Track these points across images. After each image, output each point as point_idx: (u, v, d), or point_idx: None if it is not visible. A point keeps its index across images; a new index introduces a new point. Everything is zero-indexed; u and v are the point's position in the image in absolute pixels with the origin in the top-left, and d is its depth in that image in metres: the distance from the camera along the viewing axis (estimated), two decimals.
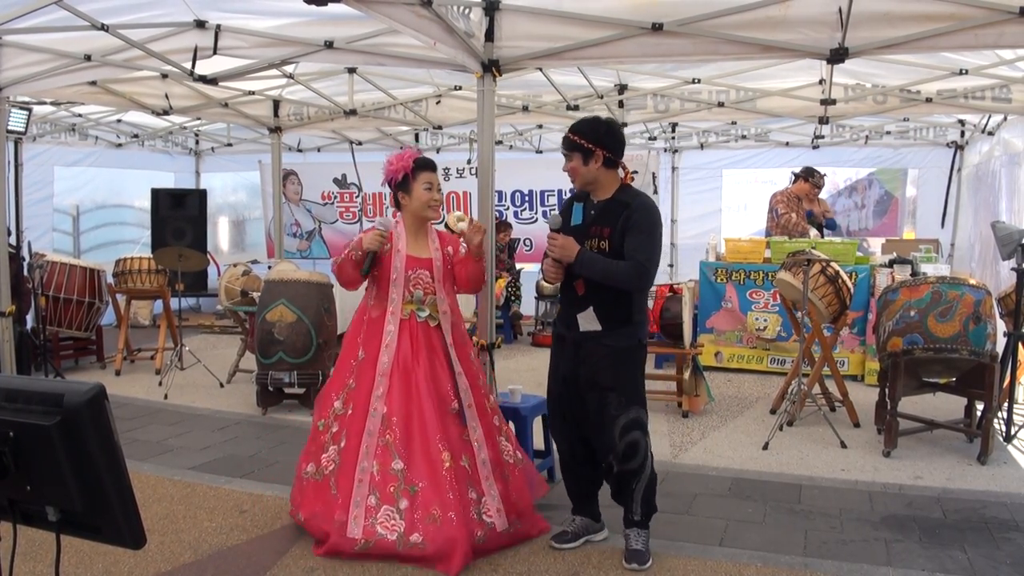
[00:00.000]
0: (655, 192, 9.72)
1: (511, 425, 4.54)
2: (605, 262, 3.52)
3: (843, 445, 5.39)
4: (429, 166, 3.94)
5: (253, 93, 7.68)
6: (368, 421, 3.72)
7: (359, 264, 3.83)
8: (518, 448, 4.08)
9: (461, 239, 4.04)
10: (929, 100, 6.74)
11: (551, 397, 3.89)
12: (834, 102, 6.64)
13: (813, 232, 8.11)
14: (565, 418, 3.81)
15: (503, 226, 9.55)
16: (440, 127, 8.75)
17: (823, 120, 7.19)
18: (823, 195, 8.94)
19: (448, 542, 3.51)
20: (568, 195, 10.53)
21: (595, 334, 3.60)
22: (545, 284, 9.57)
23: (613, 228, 3.54)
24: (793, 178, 8.47)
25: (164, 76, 6.49)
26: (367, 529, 3.58)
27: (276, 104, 8.30)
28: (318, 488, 3.80)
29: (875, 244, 9.69)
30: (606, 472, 3.71)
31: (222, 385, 7.21)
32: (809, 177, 8.35)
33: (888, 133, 9.58)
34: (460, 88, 7.52)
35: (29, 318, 7.44)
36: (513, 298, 9.74)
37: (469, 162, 10.63)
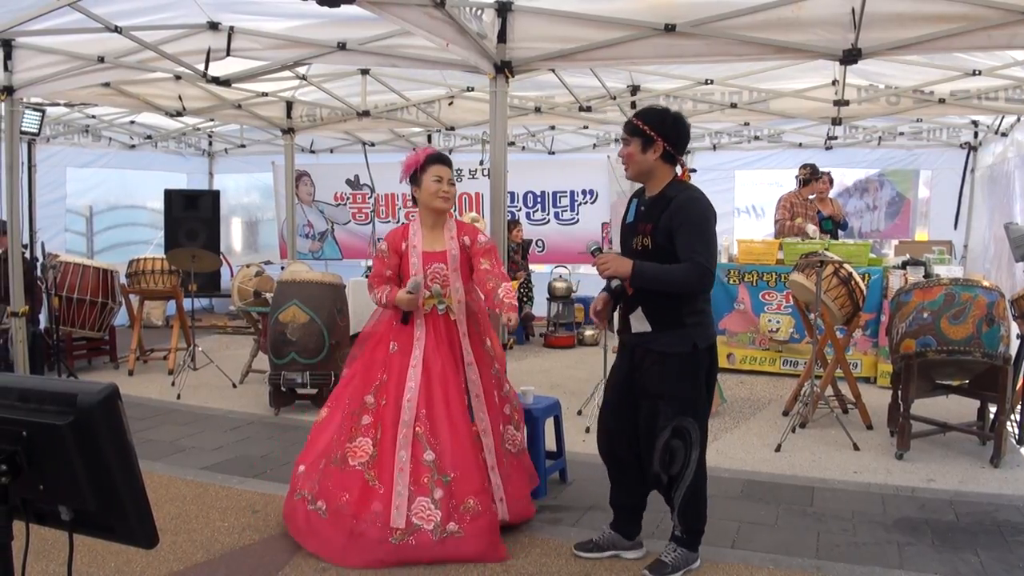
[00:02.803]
0: None
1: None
2: (656, 271, 3.34)
3: (856, 447, 5.36)
4: (440, 160, 3.96)
5: (266, 95, 7.71)
6: (403, 412, 3.77)
7: (399, 313, 3.94)
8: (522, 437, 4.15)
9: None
10: (942, 101, 6.70)
11: (603, 409, 3.75)
12: (847, 103, 6.61)
13: (811, 228, 8.00)
14: (611, 429, 3.64)
15: (511, 224, 9.53)
16: (453, 128, 8.78)
17: (836, 121, 7.17)
18: (833, 194, 8.88)
19: (485, 529, 3.63)
20: (580, 196, 10.70)
21: (646, 338, 3.44)
22: (558, 285, 9.57)
23: (655, 224, 3.37)
24: (801, 181, 8.38)
25: (177, 78, 6.52)
26: (407, 519, 3.63)
27: (289, 105, 8.33)
28: (346, 476, 3.75)
29: (887, 246, 9.64)
30: (654, 482, 3.51)
31: (235, 386, 7.24)
32: (815, 177, 8.29)
33: (901, 134, 9.52)
34: (473, 89, 7.52)
35: (42, 318, 7.49)
36: (525, 299, 9.73)
37: (481, 163, 10.63)
